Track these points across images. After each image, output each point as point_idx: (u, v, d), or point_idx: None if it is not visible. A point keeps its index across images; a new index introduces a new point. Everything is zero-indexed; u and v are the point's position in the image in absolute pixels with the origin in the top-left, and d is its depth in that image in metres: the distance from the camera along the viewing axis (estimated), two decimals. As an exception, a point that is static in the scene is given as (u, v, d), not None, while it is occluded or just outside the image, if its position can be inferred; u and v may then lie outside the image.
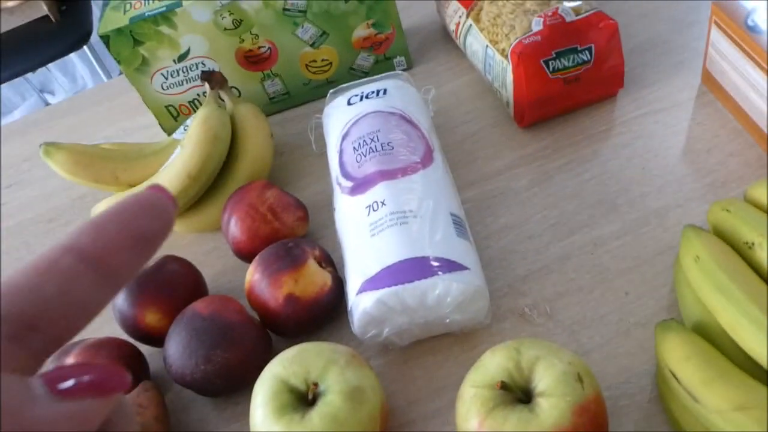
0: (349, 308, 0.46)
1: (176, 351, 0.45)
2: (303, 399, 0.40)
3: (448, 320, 0.44)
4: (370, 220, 0.47)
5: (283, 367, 0.40)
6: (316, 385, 0.38)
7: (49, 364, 0.47)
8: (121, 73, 0.84)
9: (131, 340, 0.51)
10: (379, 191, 0.49)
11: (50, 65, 1.93)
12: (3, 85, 1.79)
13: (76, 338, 0.55)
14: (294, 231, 0.53)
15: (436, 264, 0.44)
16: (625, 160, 0.56)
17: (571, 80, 0.58)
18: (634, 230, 0.51)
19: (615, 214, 0.52)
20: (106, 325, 0.56)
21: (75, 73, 2.20)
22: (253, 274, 0.48)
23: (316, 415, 0.38)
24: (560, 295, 0.48)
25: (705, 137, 0.56)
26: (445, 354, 0.47)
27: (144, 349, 0.52)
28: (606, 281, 0.48)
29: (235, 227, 0.53)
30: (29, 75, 2.00)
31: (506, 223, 0.54)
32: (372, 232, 0.47)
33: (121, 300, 0.49)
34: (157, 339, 0.50)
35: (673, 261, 0.48)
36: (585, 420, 0.35)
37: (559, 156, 0.58)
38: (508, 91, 0.59)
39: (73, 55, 1.95)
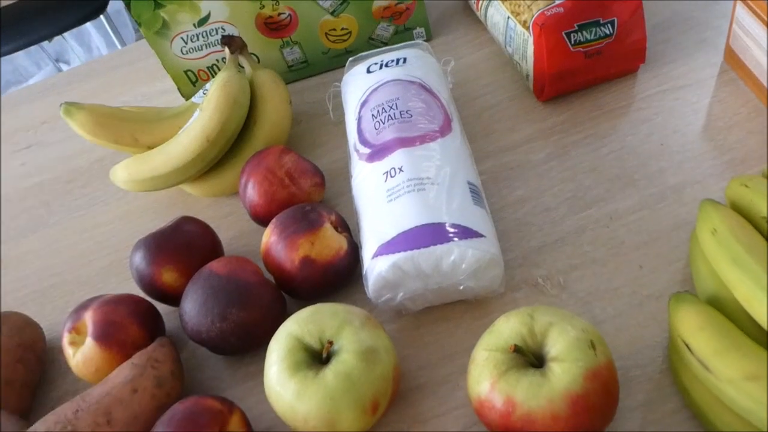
0: (364, 272, 0.46)
1: (192, 309, 0.46)
2: (317, 357, 0.40)
3: (462, 287, 0.45)
4: (388, 186, 0.47)
5: (298, 326, 0.41)
6: (330, 343, 0.39)
7: (67, 319, 0.48)
8: (136, 40, 0.84)
9: (148, 299, 0.52)
10: (397, 158, 0.49)
11: (66, 34, 1.93)
12: (19, 53, 1.79)
13: (94, 294, 0.56)
14: (310, 196, 0.54)
15: (452, 230, 0.44)
16: (644, 135, 0.56)
17: (593, 54, 0.57)
18: (650, 205, 0.51)
19: (632, 188, 0.52)
20: (124, 283, 0.57)
21: (90, 43, 2.20)
22: (269, 236, 0.48)
23: (330, 372, 0.38)
24: (574, 267, 0.48)
25: (725, 115, 0.55)
26: (458, 321, 0.47)
27: (160, 308, 0.53)
28: (620, 254, 0.48)
29: (252, 191, 0.53)
30: (45, 44, 2.00)
31: (522, 196, 0.54)
32: (389, 198, 0.47)
33: (138, 259, 0.50)
34: (173, 298, 0.50)
35: (688, 236, 0.48)
36: (596, 386, 0.35)
37: (578, 130, 0.58)
38: (529, 63, 0.59)
39: (89, 25, 1.95)
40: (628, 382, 0.42)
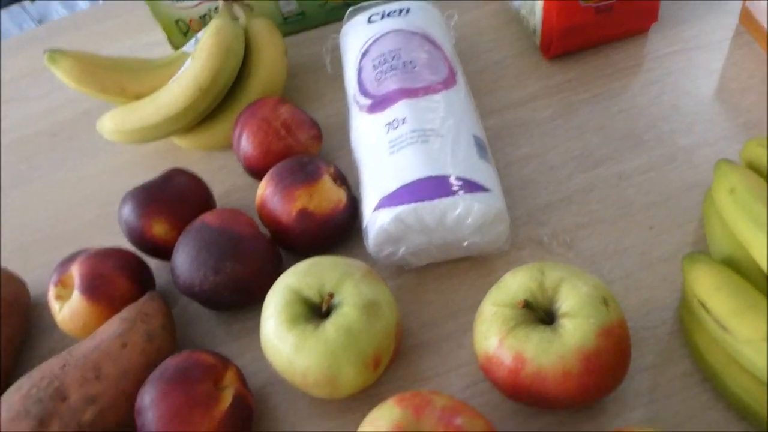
0: (364, 226, 0.44)
1: (184, 262, 0.43)
2: (316, 311, 0.38)
3: (466, 243, 0.43)
4: (390, 138, 0.45)
5: (296, 278, 0.39)
6: (331, 296, 0.37)
7: (53, 272, 0.46)
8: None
9: (138, 253, 0.50)
10: (399, 109, 0.46)
11: (50, -7, 1.87)
12: (2, 14, 1.73)
13: (79, 247, 0.54)
14: (307, 149, 0.51)
15: (457, 183, 0.42)
16: (654, 96, 0.54)
17: (604, 10, 0.55)
18: (660, 166, 0.49)
19: (641, 149, 0.50)
20: (112, 238, 0.55)
21: (75, 6, 2.14)
22: (265, 188, 0.46)
23: (331, 326, 0.37)
24: (581, 226, 0.47)
25: (740, 77, 0.54)
26: (461, 278, 0.46)
27: (150, 263, 0.51)
28: (630, 215, 0.47)
29: (246, 142, 0.51)
30: (27, 4, 1.94)
31: (527, 153, 0.52)
32: (391, 150, 0.45)
33: (127, 211, 0.48)
34: (163, 251, 0.48)
35: (700, 198, 0.47)
36: (609, 343, 0.34)
37: (586, 89, 0.56)
38: (537, 18, 0.57)
39: (74, -17, 1.88)
40: (638, 343, 0.40)
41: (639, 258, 0.44)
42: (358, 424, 0.40)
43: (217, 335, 0.47)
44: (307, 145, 0.51)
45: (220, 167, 0.58)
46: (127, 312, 0.43)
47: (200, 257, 0.43)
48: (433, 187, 0.42)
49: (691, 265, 0.38)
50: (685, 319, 0.39)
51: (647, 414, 0.38)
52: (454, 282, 0.46)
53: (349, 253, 0.48)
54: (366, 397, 0.41)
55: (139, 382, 0.41)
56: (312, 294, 0.38)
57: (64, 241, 0.56)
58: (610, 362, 0.34)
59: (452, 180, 0.42)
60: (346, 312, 0.37)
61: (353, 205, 0.47)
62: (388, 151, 0.45)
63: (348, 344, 0.36)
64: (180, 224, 0.47)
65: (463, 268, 0.46)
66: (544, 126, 0.54)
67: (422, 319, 0.44)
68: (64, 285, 0.45)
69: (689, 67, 0.55)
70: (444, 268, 0.46)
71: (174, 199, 0.48)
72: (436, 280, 0.46)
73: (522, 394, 0.35)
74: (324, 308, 0.38)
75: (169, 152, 0.60)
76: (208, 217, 0.45)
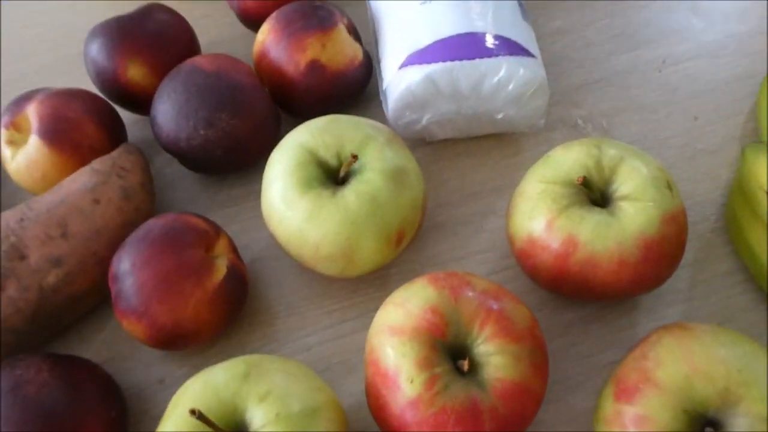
0: (383, 88, 0.38)
1: (170, 110, 0.37)
2: (331, 176, 0.33)
3: (501, 115, 0.38)
4: (420, -14, 0.39)
5: (311, 136, 0.33)
6: (355, 157, 0.31)
7: (3, 113, 0.38)
8: None
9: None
10: (432, -47, 0.39)
11: None
12: None
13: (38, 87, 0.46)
14: (315, -5, 0.44)
15: (498, 44, 0.36)
16: (702, -24, 0.48)
17: None
18: (709, 53, 0.44)
19: (689, 32, 0.45)
20: (74, 84, 0.47)
21: None
22: (267, 34, 0.39)
23: (351, 192, 0.31)
24: (619, 111, 0.42)
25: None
26: (483, 158, 0.41)
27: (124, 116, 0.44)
28: (673, 102, 0.42)
29: (242, -20, 0.43)
30: None
31: (562, 27, 0.46)
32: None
33: (96, 49, 0.40)
34: (139, 101, 0.41)
35: (750, 90, 0.42)
36: (672, 231, 0.30)
37: (628, -39, 0.50)
38: None
39: None
40: (676, 238, 0.37)
41: (680, 149, 0.40)
42: (367, 306, 0.36)
43: (201, 202, 0.41)
44: (314, -9, 0.44)
45: (203, 16, 0.50)
46: (99, 164, 0.36)
47: (190, 105, 0.36)
48: (473, 45, 0.36)
49: (754, 154, 0.34)
50: (736, 215, 0.36)
51: (684, 312, 0.35)
52: (475, 161, 0.41)
53: (359, 119, 0.43)
54: (374, 279, 0.37)
55: (112, 245, 0.35)
56: (329, 155, 0.32)
57: (14, 85, 0.48)
58: (670, 252, 0.30)
59: (493, 39, 0.36)
60: (370, 178, 0.32)
61: (368, 65, 0.41)
62: (419, 0, 0.38)
63: (371, 214, 0.31)
64: (161, 68, 0.40)
65: (485, 147, 0.41)
66: (580, -2, 0.48)
67: (438, 199, 0.39)
68: (17, 128, 0.38)
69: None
70: (463, 144, 0.41)
71: (154, 36, 0.40)
72: (455, 157, 0.41)
73: (565, 282, 0.31)
74: (342, 173, 0.32)
75: (142, -8, 0.51)
76: (200, 60, 0.38)
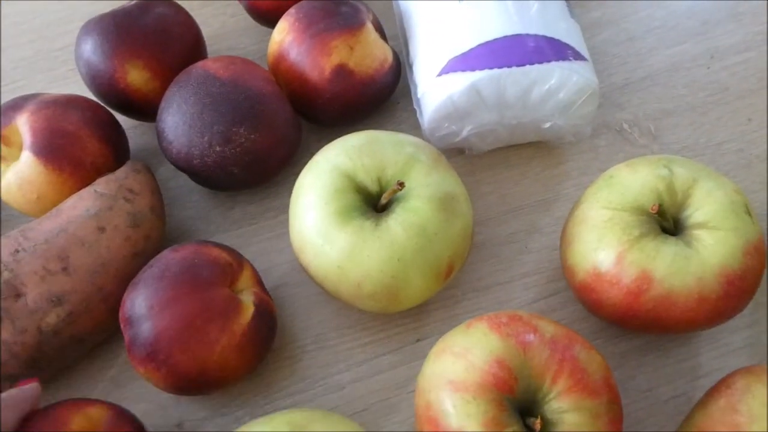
0: (418, 95, 0.35)
1: (181, 124, 0.33)
2: (371, 204, 0.29)
3: (547, 124, 0.34)
4: (457, -21, 0.35)
5: (348, 158, 0.29)
6: (401, 185, 0.28)
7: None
8: None
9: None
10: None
11: None
12: None
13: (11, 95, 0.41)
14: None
15: (548, 47, 0.32)
16: (745, -40, 0.45)
17: None
18: (759, 45, 0.41)
19: (736, 24, 0.42)
20: (57, 84, 0.42)
21: None
22: (285, 34, 0.35)
23: (397, 224, 0.28)
24: (667, 113, 0.39)
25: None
26: (523, 169, 0.37)
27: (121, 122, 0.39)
28: (724, 103, 0.39)
29: (252, -31, 0.38)
30: None
31: (600, 18, 0.43)
32: (461, -4, 0.34)
33: (90, 48, 0.35)
34: (140, 108, 0.37)
35: (804, 88, 0.39)
36: (755, 263, 0.27)
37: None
38: None
39: None
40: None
41: (735, 155, 0.37)
42: (405, 339, 0.33)
43: (213, 220, 0.37)
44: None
45: (202, 5, 0.45)
46: (103, 185, 0.32)
47: (205, 119, 0.32)
48: (521, 49, 0.32)
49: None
50: (805, 235, 0.33)
51: (748, 339, 0.32)
52: (515, 173, 0.37)
53: (383, 129, 0.39)
54: (411, 309, 0.34)
55: (120, 278, 0.31)
56: (369, 181, 0.29)
57: (-7, 85, 0.43)
58: (752, 286, 0.27)
59: (543, 42, 0.32)
60: (417, 207, 0.28)
61: (398, 67, 0.37)
62: (456, -3, 0.34)
63: (420, 249, 0.28)
64: (164, 72, 0.36)
65: (525, 157, 0.38)
66: (617, -14, 0.44)
67: (476, 216, 0.36)
68: (7, 143, 0.34)
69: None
70: (501, 155, 0.38)
71: (156, 35, 0.35)
72: (492, 169, 0.37)
73: (635, 319, 0.28)
74: (383, 201, 0.29)
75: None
76: (212, 65, 0.33)
